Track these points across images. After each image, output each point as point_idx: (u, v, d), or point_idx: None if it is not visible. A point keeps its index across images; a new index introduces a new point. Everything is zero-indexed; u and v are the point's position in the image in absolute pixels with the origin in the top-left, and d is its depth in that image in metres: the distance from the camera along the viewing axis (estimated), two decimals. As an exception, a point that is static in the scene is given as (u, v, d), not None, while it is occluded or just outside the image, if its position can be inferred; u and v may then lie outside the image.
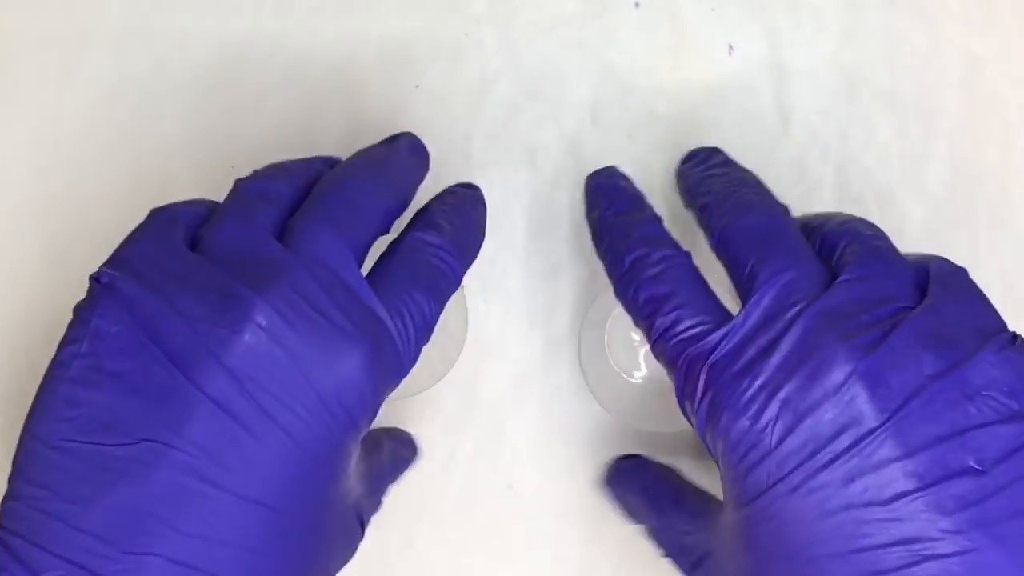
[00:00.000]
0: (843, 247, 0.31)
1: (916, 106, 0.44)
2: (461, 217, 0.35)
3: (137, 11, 0.44)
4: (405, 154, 0.36)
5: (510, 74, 0.43)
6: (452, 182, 0.39)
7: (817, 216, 0.34)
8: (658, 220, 0.34)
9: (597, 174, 0.37)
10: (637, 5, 0.44)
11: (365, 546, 0.42)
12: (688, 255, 0.33)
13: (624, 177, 0.37)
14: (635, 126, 0.43)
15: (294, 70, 0.43)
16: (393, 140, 0.37)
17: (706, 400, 0.30)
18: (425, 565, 0.42)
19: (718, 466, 0.31)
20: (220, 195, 0.43)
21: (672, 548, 0.35)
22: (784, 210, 0.33)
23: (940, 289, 0.30)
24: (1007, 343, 0.29)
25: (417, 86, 0.43)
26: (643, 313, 0.32)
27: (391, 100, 0.43)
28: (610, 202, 0.35)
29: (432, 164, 0.43)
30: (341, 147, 0.43)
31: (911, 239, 0.43)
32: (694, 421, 0.31)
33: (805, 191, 0.43)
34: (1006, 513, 0.26)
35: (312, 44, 0.43)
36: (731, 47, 0.44)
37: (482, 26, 0.44)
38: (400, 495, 0.41)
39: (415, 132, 0.43)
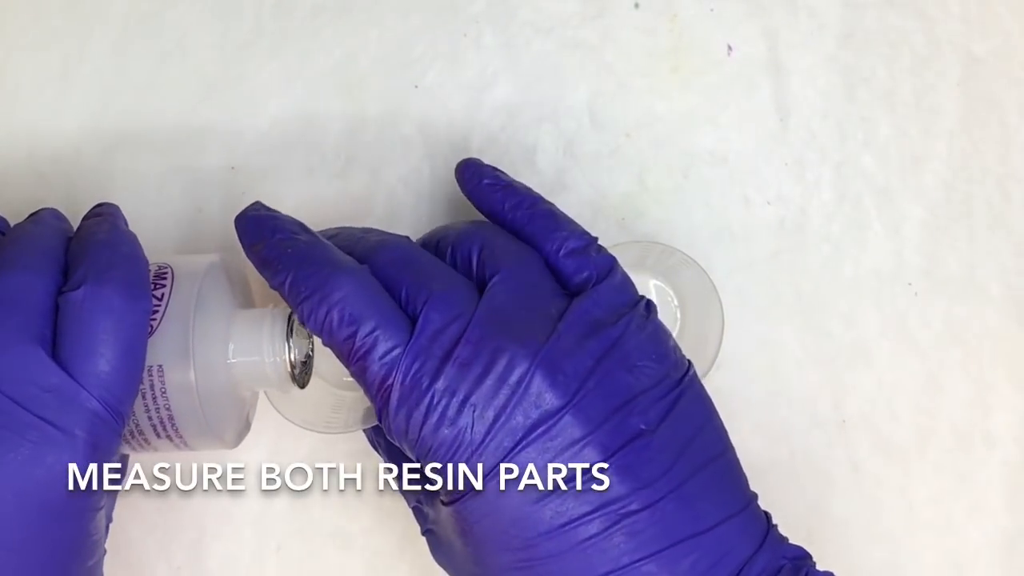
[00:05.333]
0: (476, 254, 0.34)
1: (915, 106, 0.44)
2: (93, 252, 0.33)
3: (137, 10, 0.44)
4: (51, 221, 0.35)
5: (509, 74, 0.43)
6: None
7: (431, 233, 0.37)
8: (330, 243, 0.34)
9: (247, 211, 0.36)
10: (636, 6, 0.44)
11: (365, 545, 0.42)
12: (367, 270, 0.33)
13: (274, 210, 0.36)
14: (634, 126, 0.43)
15: (294, 70, 0.43)
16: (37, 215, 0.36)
17: (401, 415, 0.31)
18: (425, 565, 0.42)
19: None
20: (220, 195, 0.43)
21: (413, 507, 0.37)
22: (409, 240, 0.35)
23: (588, 278, 0.34)
24: (644, 314, 0.33)
25: (417, 86, 0.43)
26: (339, 335, 0.32)
27: (391, 100, 0.43)
28: (274, 230, 0.34)
29: (432, 165, 0.43)
30: (341, 147, 0.43)
31: (910, 239, 0.43)
32: (394, 436, 0.32)
33: (804, 191, 0.43)
34: (673, 460, 0.31)
35: (312, 44, 0.43)
36: (730, 47, 0.44)
37: (481, 26, 0.44)
38: (399, 494, 0.41)
39: (415, 132, 0.43)
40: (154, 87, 0.43)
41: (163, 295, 0.34)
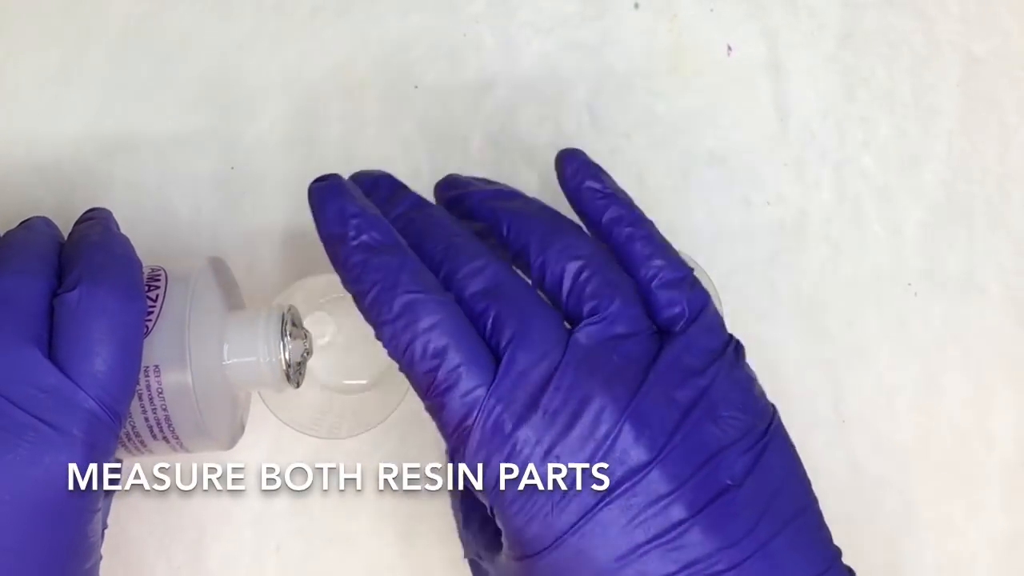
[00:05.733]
0: (573, 274, 0.32)
1: (914, 106, 0.44)
2: (88, 254, 0.33)
3: (137, 11, 0.44)
4: (42, 228, 0.35)
5: (509, 75, 0.43)
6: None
7: (508, 212, 0.34)
8: (417, 259, 0.32)
9: (327, 187, 0.33)
10: (636, 6, 0.44)
11: (365, 545, 0.42)
12: (453, 298, 0.31)
13: (358, 192, 0.33)
14: (634, 127, 0.43)
15: (294, 70, 0.43)
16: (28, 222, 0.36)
17: (479, 458, 0.30)
18: (425, 565, 0.42)
19: (491, 516, 0.31)
20: (220, 196, 0.43)
21: (470, 560, 0.35)
22: (498, 258, 0.32)
23: (679, 314, 0.32)
24: (733, 359, 0.32)
25: (416, 86, 0.43)
26: (421, 367, 0.30)
27: (391, 100, 0.43)
28: (359, 229, 0.31)
29: (431, 165, 0.43)
30: (341, 147, 0.43)
31: (910, 240, 0.43)
32: (467, 478, 0.30)
33: (803, 191, 0.43)
34: (759, 516, 0.29)
35: (312, 45, 0.43)
36: (730, 48, 0.44)
37: (481, 27, 0.44)
38: (399, 494, 0.41)
39: (414, 132, 0.43)
40: (153, 88, 0.43)
41: (157, 296, 0.34)
